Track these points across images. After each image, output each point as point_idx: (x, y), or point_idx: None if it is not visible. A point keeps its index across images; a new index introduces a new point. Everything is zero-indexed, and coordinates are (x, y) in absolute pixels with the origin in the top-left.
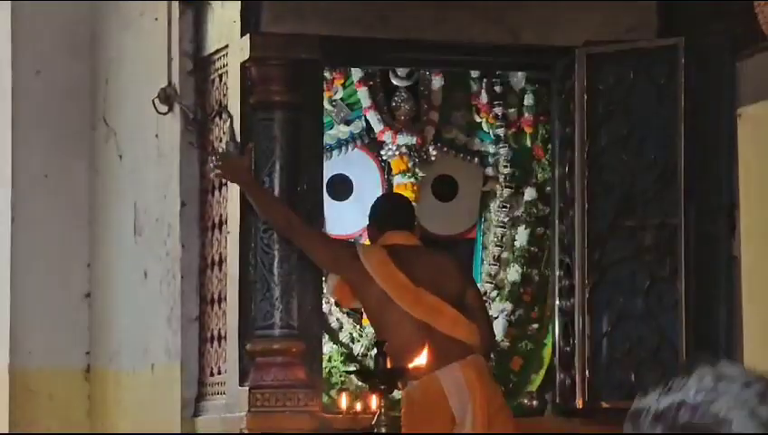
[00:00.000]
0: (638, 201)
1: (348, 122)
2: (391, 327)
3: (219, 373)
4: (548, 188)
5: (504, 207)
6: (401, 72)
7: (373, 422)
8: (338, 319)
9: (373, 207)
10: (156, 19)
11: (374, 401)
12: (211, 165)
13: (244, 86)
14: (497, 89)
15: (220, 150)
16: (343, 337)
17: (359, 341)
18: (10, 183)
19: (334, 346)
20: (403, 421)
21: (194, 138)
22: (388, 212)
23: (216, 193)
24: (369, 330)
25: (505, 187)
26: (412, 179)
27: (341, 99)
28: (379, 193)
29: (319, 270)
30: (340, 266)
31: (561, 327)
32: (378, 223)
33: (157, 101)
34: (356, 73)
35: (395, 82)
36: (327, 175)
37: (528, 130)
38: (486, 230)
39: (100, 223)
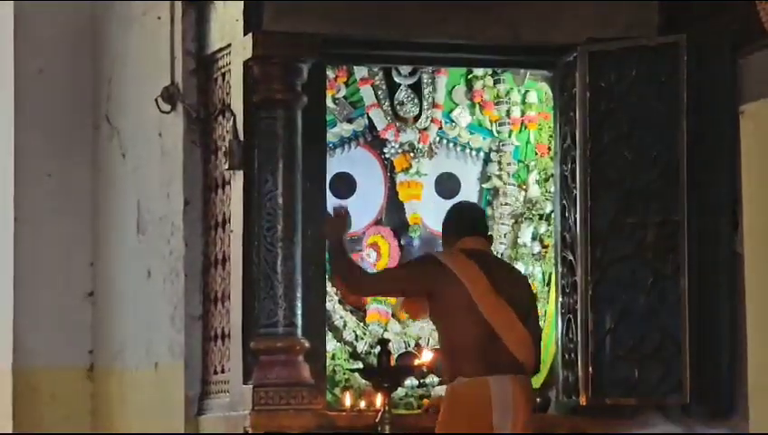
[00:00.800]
0: (640, 198)
1: (350, 120)
2: (461, 326)
3: (223, 372)
4: (551, 186)
5: (507, 204)
6: (404, 70)
7: (377, 420)
8: (341, 317)
9: (449, 213)
10: (158, 18)
11: (378, 399)
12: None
13: (246, 85)
14: (500, 87)
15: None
16: (347, 335)
17: (362, 338)
18: (13, 182)
19: (338, 344)
20: (441, 415)
21: (197, 136)
22: (465, 218)
23: (219, 191)
24: (373, 328)
25: (508, 184)
26: (415, 177)
27: (344, 97)
28: (382, 191)
29: (322, 269)
30: (429, 282)
31: (564, 324)
32: (455, 227)
33: (160, 99)
34: (359, 72)
35: (397, 80)
36: (330, 173)
37: (531, 127)
38: (489, 228)
39: (103, 222)
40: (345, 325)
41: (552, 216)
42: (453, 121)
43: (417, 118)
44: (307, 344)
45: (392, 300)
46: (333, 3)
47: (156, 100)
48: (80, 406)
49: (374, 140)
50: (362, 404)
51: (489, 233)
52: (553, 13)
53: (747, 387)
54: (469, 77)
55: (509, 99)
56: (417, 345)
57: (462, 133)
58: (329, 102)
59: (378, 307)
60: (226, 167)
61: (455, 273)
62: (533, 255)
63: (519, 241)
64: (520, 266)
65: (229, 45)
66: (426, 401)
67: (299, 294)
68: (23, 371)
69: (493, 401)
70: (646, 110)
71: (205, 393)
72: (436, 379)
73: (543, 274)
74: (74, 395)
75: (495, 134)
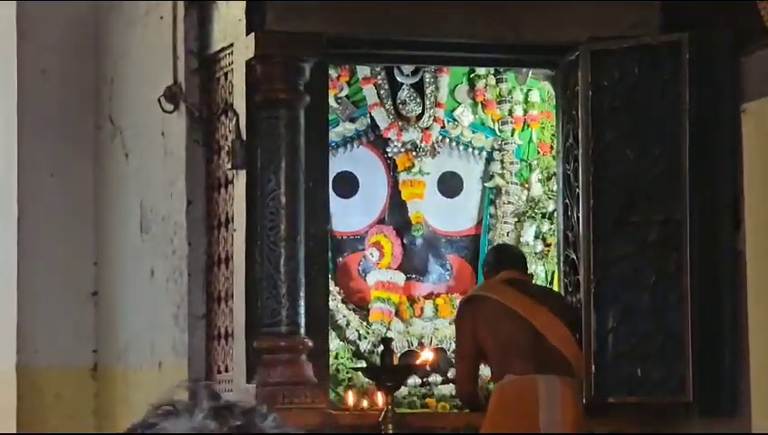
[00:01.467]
0: (643, 197)
1: (353, 120)
2: (506, 328)
3: (226, 371)
4: (554, 185)
5: (510, 203)
6: (406, 69)
7: (380, 419)
8: (345, 316)
9: (488, 253)
10: (161, 18)
11: (381, 398)
12: None
13: (249, 84)
14: (502, 86)
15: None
16: (350, 334)
17: (365, 338)
18: (16, 182)
19: (341, 343)
20: (489, 414)
21: (199, 136)
22: (504, 256)
23: (223, 191)
24: (376, 327)
25: (511, 183)
26: (417, 176)
27: (347, 96)
28: (384, 190)
29: (325, 268)
30: (475, 315)
31: None
32: (495, 263)
33: (162, 99)
34: (361, 71)
35: (400, 79)
36: (332, 172)
37: (533, 126)
38: (492, 227)
39: (107, 222)
40: (348, 324)
41: (555, 214)
42: (455, 120)
43: (419, 117)
44: (310, 343)
45: (395, 299)
46: (336, 2)
47: (158, 99)
48: (83, 406)
49: (377, 140)
50: (365, 403)
51: (528, 271)
52: (555, 12)
53: (750, 386)
54: (471, 76)
55: (511, 98)
56: (421, 344)
57: (464, 132)
58: (331, 102)
59: (381, 306)
60: (229, 166)
61: (491, 296)
62: (536, 253)
63: (522, 240)
64: None
65: (231, 45)
66: (429, 400)
67: (302, 294)
68: (26, 371)
69: (540, 399)
70: (648, 108)
71: None
72: (439, 378)
73: (546, 272)
74: (78, 395)
75: (498, 133)
